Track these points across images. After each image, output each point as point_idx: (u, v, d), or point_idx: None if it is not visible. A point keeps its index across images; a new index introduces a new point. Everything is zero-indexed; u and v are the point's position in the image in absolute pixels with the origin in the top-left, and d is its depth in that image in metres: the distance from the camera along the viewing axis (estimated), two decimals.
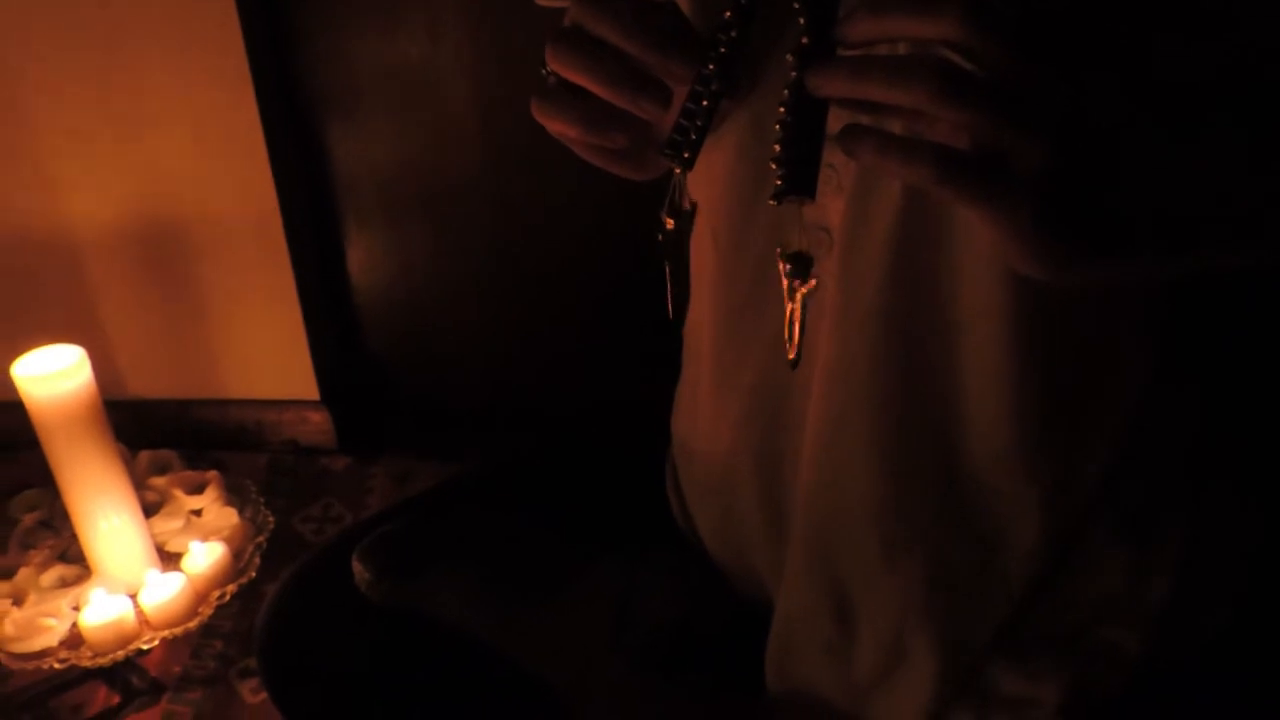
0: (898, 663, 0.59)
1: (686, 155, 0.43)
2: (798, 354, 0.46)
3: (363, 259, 1.62)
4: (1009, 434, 0.52)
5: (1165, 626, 0.56)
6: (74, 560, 1.43)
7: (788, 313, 0.45)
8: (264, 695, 1.24)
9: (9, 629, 1.32)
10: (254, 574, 1.42)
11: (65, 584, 1.40)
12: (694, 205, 0.47)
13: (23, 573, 1.41)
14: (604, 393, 1.53)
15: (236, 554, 1.44)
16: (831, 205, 0.51)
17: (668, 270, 0.49)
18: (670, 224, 0.47)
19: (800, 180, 0.40)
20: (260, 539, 1.47)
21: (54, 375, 1.25)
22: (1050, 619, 0.57)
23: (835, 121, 0.41)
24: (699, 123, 0.43)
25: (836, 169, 0.50)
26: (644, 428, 0.77)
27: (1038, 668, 0.57)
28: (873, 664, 0.60)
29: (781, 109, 0.40)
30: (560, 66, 0.45)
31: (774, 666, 0.64)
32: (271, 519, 1.51)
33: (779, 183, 0.40)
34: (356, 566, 0.68)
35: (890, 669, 0.59)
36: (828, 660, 0.61)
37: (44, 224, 1.56)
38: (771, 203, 0.41)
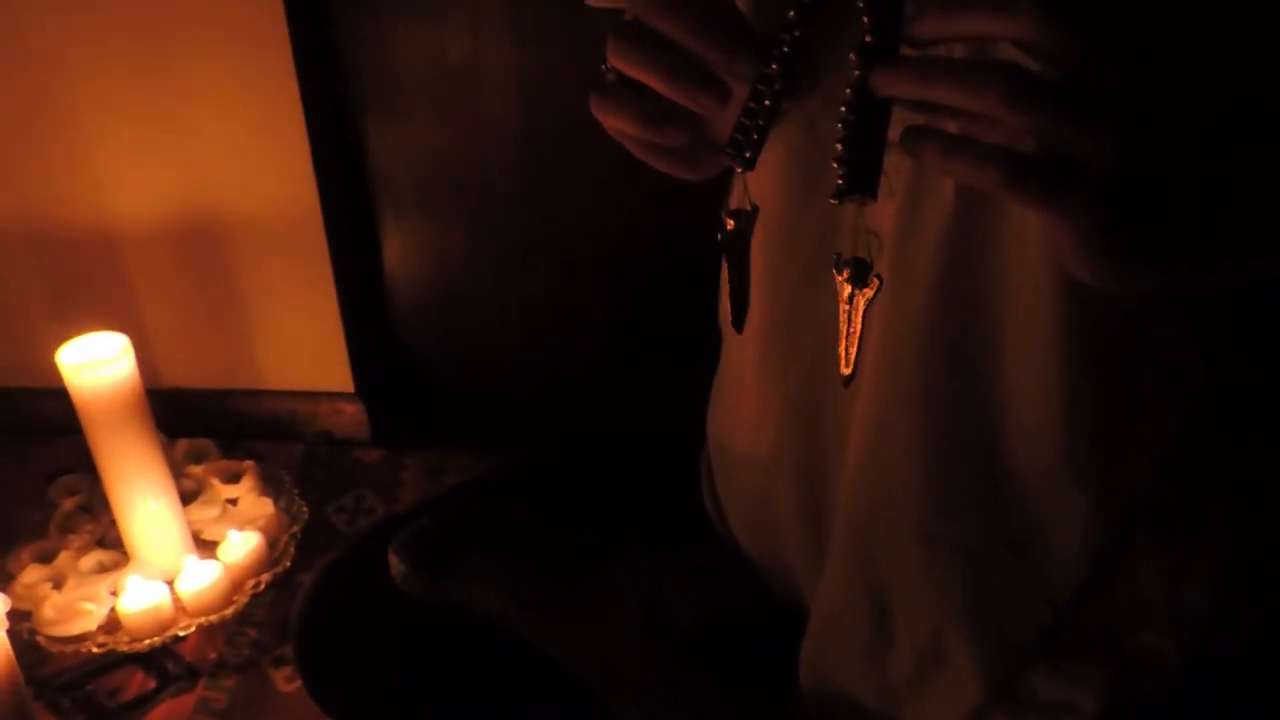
0: (935, 666, 0.59)
1: (748, 155, 0.43)
2: (853, 371, 0.45)
3: (398, 253, 1.64)
4: (1055, 441, 0.51)
5: (1204, 634, 0.56)
6: (112, 546, 1.45)
7: (843, 325, 0.45)
8: (298, 684, 1.25)
9: (49, 612, 1.34)
10: (288, 564, 1.43)
11: (103, 569, 1.41)
12: (755, 207, 0.46)
13: (62, 557, 1.43)
14: (636, 388, 1.53)
15: (271, 543, 1.45)
16: (883, 209, 0.51)
17: (725, 271, 0.49)
18: (731, 224, 0.47)
19: (863, 180, 0.40)
20: (295, 529, 1.49)
21: (98, 363, 1.27)
22: (1089, 625, 0.56)
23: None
24: (761, 122, 0.43)
25: (888, 173, 0.50)
26: (675, 423, 0.77)
27: (1076, 673, 0.57)
28: (909, 667, 0.59)
29: (844, 108, 0.40)
30: (621, 62, 0.45)
31: (809, 667, 0.64)
32: (306, 509, 1.52)
33: (840, 182, 0.40)
34: (392, 560, 0.69)
35: (927, 672, 0.59)
36: (864, 662, 0.61)
37: (88, 215, 1.58)
38: (832, 201, 0.41)
